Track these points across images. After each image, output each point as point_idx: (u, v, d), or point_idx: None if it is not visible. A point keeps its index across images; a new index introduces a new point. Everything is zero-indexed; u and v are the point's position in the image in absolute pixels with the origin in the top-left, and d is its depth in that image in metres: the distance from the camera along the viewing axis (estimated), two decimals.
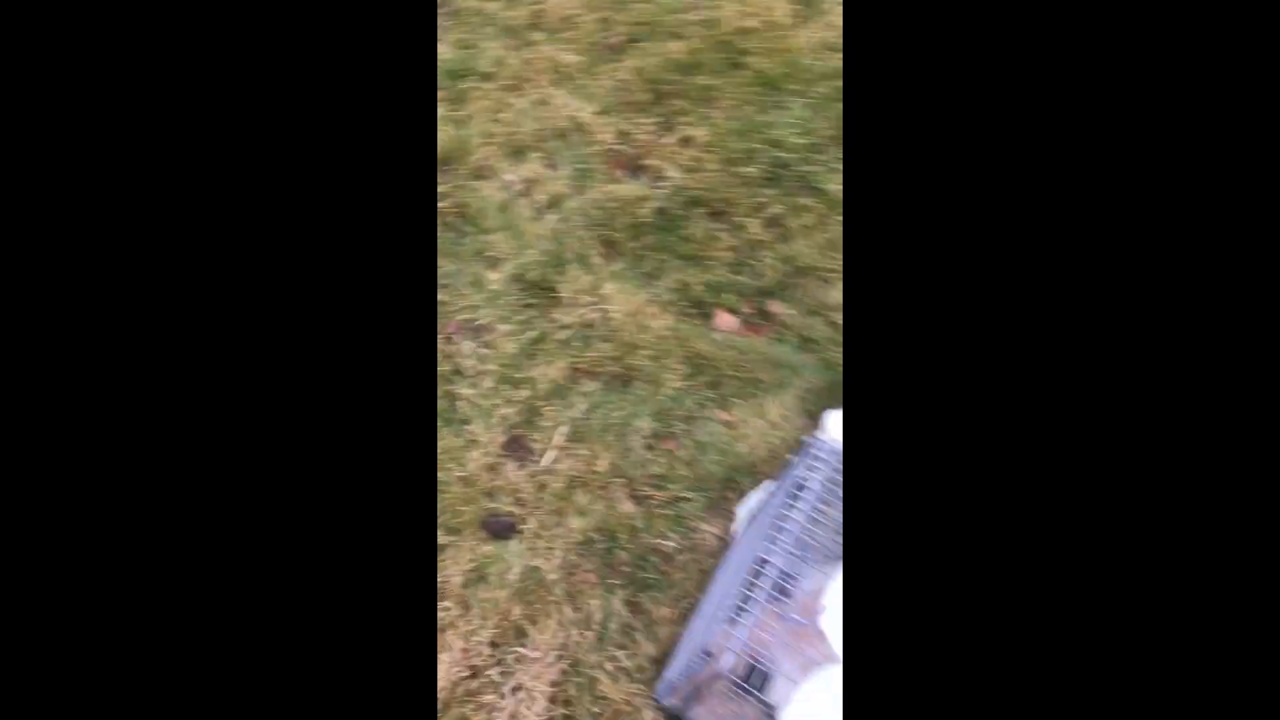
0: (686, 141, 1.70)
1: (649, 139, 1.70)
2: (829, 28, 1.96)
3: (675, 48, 1.87)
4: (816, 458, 0.91)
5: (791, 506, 0.88)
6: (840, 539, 0.90)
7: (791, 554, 0.85)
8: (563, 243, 1.52)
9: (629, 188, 1.61)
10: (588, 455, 1.28)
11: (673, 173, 1.64)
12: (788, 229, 1.59)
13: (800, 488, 0.88)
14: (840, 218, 1.60)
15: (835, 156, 1.71)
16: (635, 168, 1.68)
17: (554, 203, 1.58)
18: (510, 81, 1.82)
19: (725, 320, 1.48)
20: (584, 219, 1.56)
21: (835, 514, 0.89)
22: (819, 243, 1.57)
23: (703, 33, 1.93)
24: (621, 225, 1.55)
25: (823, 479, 0.88)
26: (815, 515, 0.89)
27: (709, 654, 0.77)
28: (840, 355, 1.44)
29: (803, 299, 1.51)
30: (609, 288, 1.46)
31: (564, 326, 1.42)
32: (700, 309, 1.48)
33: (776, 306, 1.50)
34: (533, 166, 1.64)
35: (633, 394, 1.36)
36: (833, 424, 0.97)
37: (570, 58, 1.87)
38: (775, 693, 0.76)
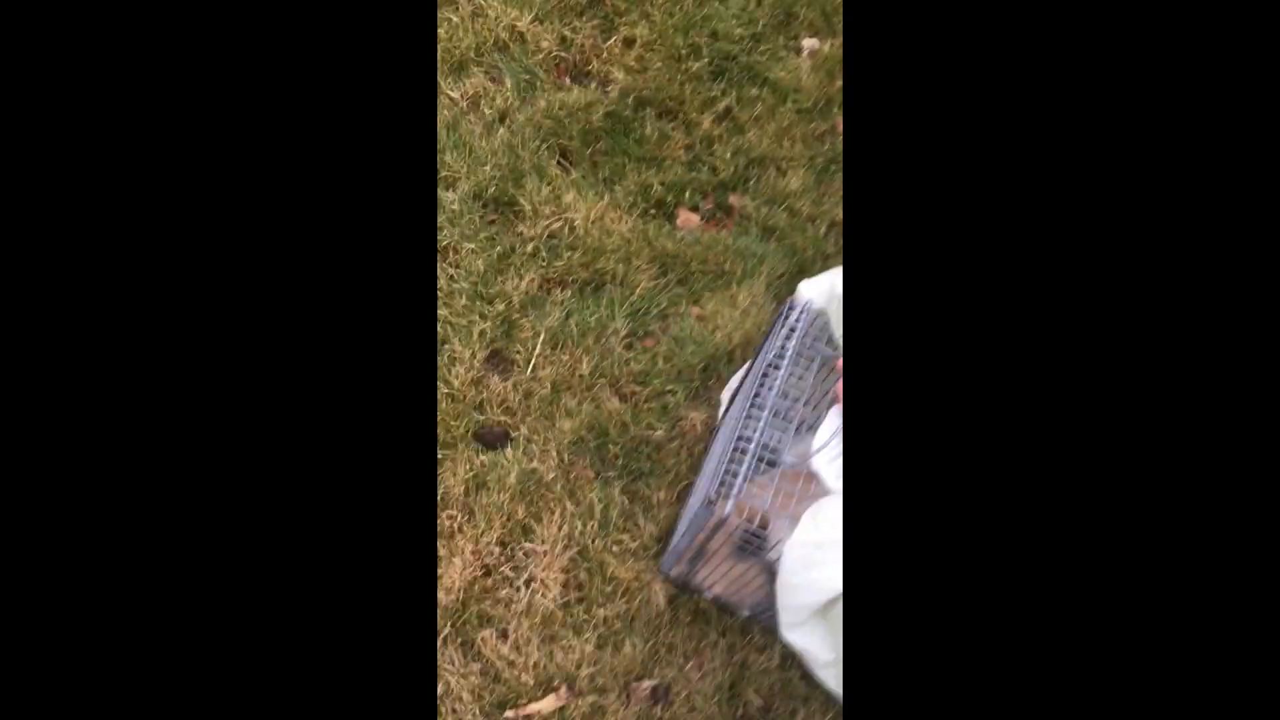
0: (629, 43, 1.68)
1: (590, 43, 1.67)
2: None
3: None
4: (793, 326, 0.95)
5: (774, 374, 0.93)
6: (819, 401, 0.95)
7: (776, 416, 0.90)
8: (517, 155, 1.50)
9: (577, 94, 1.59)
10: (569, 360, 1.32)
11: (619, 75, 1.62)
12: (739, 121, 1.59)
13: (781, 356, 0.92)
14: (791, 105, 1.61)
15: (779, 45, 1.70)
16: (580, 74, 1.65)
17: (503, 116, 1.56)
18: None
19: (687, 217, 1.49)
20: (535, 130, 1.54)
21: (811, 375, 0.94)
22: (771, 133, 1.58)
23: None
24: (574, 133, 1.54)
25: (797, 344, 0.93)
26: (795, 378, 0.93)
27: (711, 503, 0.82)
28: (802, 240, 1.47)
29: (761, 189, 1.53)
30: (570, 196, 1.46)
31: (529, 239, 1.42)
32: (662, 209, 1.49)
33: (736, 199, 1.52)
34: (476, 81, 1.60)
35: (606, 297, 1.38)
36: (805, 289, 1.01)
37: None
38: (776, 533, 0.82)
